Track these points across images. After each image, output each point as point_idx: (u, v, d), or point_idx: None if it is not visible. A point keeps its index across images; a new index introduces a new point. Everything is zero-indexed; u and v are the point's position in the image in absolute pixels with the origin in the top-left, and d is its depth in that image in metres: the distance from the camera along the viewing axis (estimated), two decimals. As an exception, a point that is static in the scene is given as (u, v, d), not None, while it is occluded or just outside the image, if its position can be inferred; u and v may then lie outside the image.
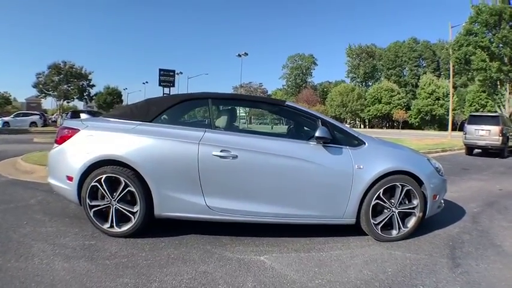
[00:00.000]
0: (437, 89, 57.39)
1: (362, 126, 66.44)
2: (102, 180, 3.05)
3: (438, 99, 56.97)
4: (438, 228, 3.78)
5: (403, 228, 3.36)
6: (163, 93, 20.98)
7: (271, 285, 2.37)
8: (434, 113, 56.81)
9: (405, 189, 3.30)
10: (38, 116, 31.07)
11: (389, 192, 3.31)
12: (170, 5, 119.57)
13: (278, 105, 3.91)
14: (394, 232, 3.34)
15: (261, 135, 3.32)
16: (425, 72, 66.40)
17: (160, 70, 21.88)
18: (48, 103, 67.15)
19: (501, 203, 5.12)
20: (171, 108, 3.46)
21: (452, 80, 28.57)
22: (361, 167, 3.18)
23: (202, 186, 3.05)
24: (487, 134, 12.04)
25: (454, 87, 59.89)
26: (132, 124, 3.24)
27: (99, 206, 3.11)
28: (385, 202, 3.28)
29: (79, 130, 3.24)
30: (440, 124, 57.90)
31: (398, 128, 57.17)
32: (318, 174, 3.18)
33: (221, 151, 3.05)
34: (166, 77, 21.69)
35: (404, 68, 73.23)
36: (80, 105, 47.61)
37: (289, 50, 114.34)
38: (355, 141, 3.30)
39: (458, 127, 46.12)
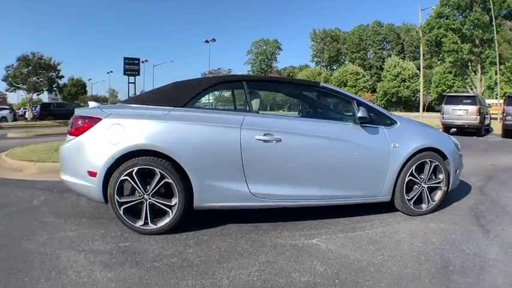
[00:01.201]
0: (403, 71, 60.16)
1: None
2: (134, 173, 2.91)
3: (404, 81, 59.75)
4: (455, 201, 4.16)
5: (431, 202, 3.67)
6: (129, 83, 20.67)
7: (340, 266, 2.50)
8: (400, 94, 59.77)
9: (433, 165, 3.60)
10: (7, 111, 30.67)
11: (419, 168, 3.55)
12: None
13: (313, 87, 3.97)
14: (424, 206, 3.64)
15: (301, 118, 3.43)
16: (390, 55, 69.42)
17: (125, 59, 21.50)
18: (13, 97, 64.09)
19: (499, 177, 5.68)
20: (204, 92, 3.40)
21: (422, 61, 29.99)
22: (396, 145, 3.41)
23: (245, 172, 3.05)
24: (465, 113, 12.91)
25: (419, 69, 63.06)
26: (163, 110, 3.12)
27: (130, 202, 2.97)
28: (416, 178, 3.55)
29: (101, 119, 3.02)
30: (405, 105, 60.87)
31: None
32: (359, 154, 3.36)
33: (264, 135, 3.08)
34: (131, 66, 21.36)
35: (369, 51, 75.99)
36: (45, 97, 46.98)
37: (256, 36, 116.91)
38: (388, 121, 3.52)
39: (426, 108, 48.45)
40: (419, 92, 48.54)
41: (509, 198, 4.43)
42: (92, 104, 3.51)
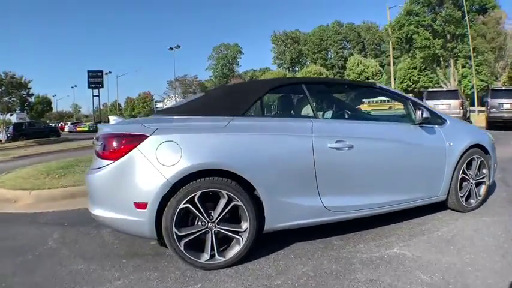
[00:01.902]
0: (366, 68, 62.31)
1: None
2: (196, 198, 2.53)
3: (367, 78, 61.74)
4: (489, 194, 4.30)
5: (478, 198, 3.84)
6: (93, 96, 20.44)
7: (442, 272, 2.52)
8: None
9: (479, 161, 3.78)
10: None
11: (468, 165, 3.72)
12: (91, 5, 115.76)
13: (370, 87, 3.94)
14: (473, 202, 3.80)
15: (365, 121, 3.41)
16: (351, 54, 71.62)
17: (88, 72, 21.05)
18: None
19: (510, 168, 5.91)
20: (262, 97, 3.19)
21: (392, 58, 31.25)
22: (451, 144, 3.53)
23: (318, 184, 2.88)
24: (447, 107, 13.51)
25: (382, 66, 65.96)
26: (221, 120, 2.79)
27: (192, 234, 2.58)
28: (466, 175, 3.68)
29: (146, 136, 2.56)
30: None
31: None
32: (421, 155, 3.43)
33: (336, 142, 2.94)
34: (95, 78, 21.00)
35: (330, 51, 78.21)
36: (13, 117, 45.07)
37: (219, 40, 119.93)
38: (439, 120, 3.63)
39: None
40: (384, 88, 50.76)
41: None
42: (113, 118, 3.08)
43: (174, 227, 2.52)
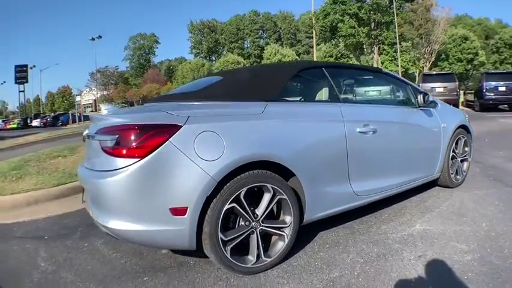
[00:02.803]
0: (283, 57, 64.18)
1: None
2: (242, 196, 2.30)
3: (285, 68, 63.71)
4: None
5: (463, 173, 4.26)
6: (19, 91, 18.72)
7: (474, 240, 2.75)
8: None
9: (463, 140, 4.19)
10: None
11: (456, 144, 4.09)
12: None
13: (378, 72, 4.01)
14: (459, 178, 4.22)
15: (379, 104, 3.47)
16: (268, 43, 73.41)
17: (16, 67, 18.94)
18: None
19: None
20: (291, 81, 3.04)
21: (315, 47, 32.67)
22: (444, 125, 3.85)
23: (349, 170, 2.87)
24: (445, 90, 15.17)
25: (298, 55, 68.92)
26: (256, 106, 2.57)
27: (237, 237, 2.33)
28: (455, 153, 4.01)
29: (179, 126, 2.19)
30: None
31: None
32: (425, 136, 3.69)
33: (363, 126, 2.97)
34: (21, 73, 19.01)
35: (247, 40, 79.40)
36: None
37: (138, 30, 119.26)
38: (433, 103, 3.84)
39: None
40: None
41: (497, 158, 5.71)
42: (105, 107, 2.60)
43: (219, 232, 2.24)
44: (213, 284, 2.33)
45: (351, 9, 24.40)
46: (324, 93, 3.36)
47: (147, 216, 2.17)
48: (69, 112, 38.89)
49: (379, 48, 27.31)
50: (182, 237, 2.19)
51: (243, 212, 2.33)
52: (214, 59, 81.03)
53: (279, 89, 2.83)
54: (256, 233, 2.39)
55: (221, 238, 2.24)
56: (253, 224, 2.38)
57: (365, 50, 27.20)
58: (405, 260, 2.50)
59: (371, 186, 3.09)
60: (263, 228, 2.42)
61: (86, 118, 35.42)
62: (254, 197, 2.41)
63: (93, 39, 46.41)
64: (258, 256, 2.39)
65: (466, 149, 4.28)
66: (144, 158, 2.12)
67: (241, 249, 2.40)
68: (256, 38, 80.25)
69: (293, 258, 2.61)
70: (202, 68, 69.23)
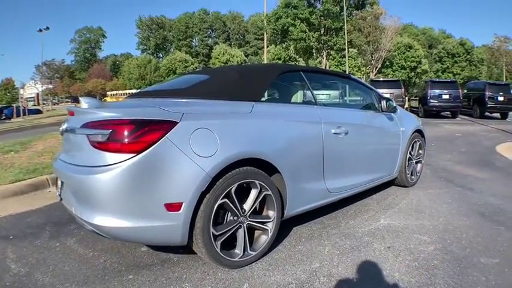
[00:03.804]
0: (232, 58, 64.70)
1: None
2: (233, 191, 2.43)
3: (233, 68, 64.25)
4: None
5: (417, 174, 4.75)
6: None
7: (433, 232, 3.15)
8: None
9: (419, 143, 4.66)
10: None
11: (412, 147, 4.54)
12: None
13: (347, 78, 4.30)
14: (414, 178, 4.69)
15: (349, 108, 3.74)
16: (216, 43, 73.63)
17: None
18: None
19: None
20: (273, 83, 3.21)
21: (266, 49, 33.25)
22: (403, 129, 4.29)
23: (324, 168, 3.13)
24: (391, 96, 15.74)
25: (246, 56, 69.67)
26: (244, 105, 2.72)
27: (227, 232, 2.47)
28: (411, 155, 4.45)
29: (175, 123, 2.27)
30: None
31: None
32: (387, 138, 4.09)
33: (337, 127, 3.24)
34: None
35: (195, 39, 79.27)
36: None
37: (85, 23, 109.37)
38: (393, 108, 4.23)
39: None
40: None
41: (445, 161, 6.36)
42: (86, 100, 2.54)
43: (211, 227, 2.35)
44: (202, 279, 2.41)
45: (302, 14, 25.32)
46: (301, 96, 3.61)
47: (140, 212, 2.19)
48: (14, 105, 36.22)
49: (327, 53, 28.62)
50: (175, 232, 2.25)
51: (233, 207, 2.45)
52: (161, 56, 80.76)
53: (264, 90, 3.03)
54: (244, 228, 2.54)
55: (212, 233, 2.35)
56: (241, 218, 2.52)
57: (314, 54, 28.42)
58: (376, 250, 2.79)
59: (342, 183, 3.38)
60: (249, 222, 2.58)
61: (31, 112, 33.34)
62: (241, 192, 2.54)
63: (40, 30, 45.29)
64: (245, 250, 2.54)
65: (420, 151, 4.77)
66: (140, 153, 2.14)
67: (227, 244, 2.53)
68: (205, 37, 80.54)
69: (274, 251, 2.79)
70: (149, 65, 68.47)
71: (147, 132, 2.18)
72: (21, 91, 49.97)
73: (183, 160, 2.22)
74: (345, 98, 4.16)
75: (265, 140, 2.67)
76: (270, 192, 2.63)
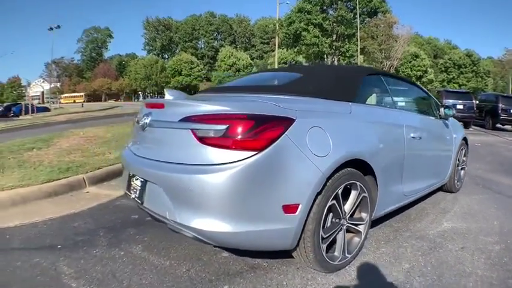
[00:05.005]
0: (238, 61, 65.42)
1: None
2: (340, 193, 2.40)
3: (238, 70, 65.33)
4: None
5: (461, 180, 5.08)
6: None
7: (494, 234, 3.42)
8: None
9: (464, 150, 5.02)
10: None
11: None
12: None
13: (413, 84, 4.45)
14: (459, 184, 4.99)
15: (418, 113, 4.00)
16: (222, 45, 74.28)
17: None
18: None
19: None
20: (361, 84, 3.15)
21: (277, 53, 33.55)
22: (455, 136, 4.58)
23: (403, 171, 3.21)
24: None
25: (252, 59, 70.10)
26: (343, 105, 2.73)
27: (331, 235, 2.45)
28: (459, 161, 4.74)
29: (293, 120, 2.18)
30: None
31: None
32: (445, 144, 4.36)
33: (414, 132, 3.36)
34: None
35: (201, 41, 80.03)
36: None
37: (93, 23, 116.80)
38: (448, 116, 4.50)
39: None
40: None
41: (476, 169, 6.68)
42: (170, 93, 2.56)
43: (321, 230, 2.31)
44: (304, 284, 2.37)
45: (316, 19, 25.70)
46: (382, 99, 3.60)
47: (255, 215, 2.08)
48: (23, 103, 36.47)
49: (339, 59, 29.09)
50: (287, 236, 2.18)
51: (338, 209, 2.45)
52: (167, 57, 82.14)
53: (357, 90, 3.02)
54: (343, 230, 2.55)
55: (322, 236, 2.33)
56: (342, 221, 2.52)
57: (325, 59, 28.89)
58: (453, 251, 3.06)
59: (413, 187, 3.58)
60: (348, 225, 2.59)
61: (39, 110, 33.49)
62: (342, 194, 2.52)
63: (51, 28, 46.75)
64: (343, 252, 2.55)
65: (464, 158, 5.08)
66: (261, 151, 2.03)
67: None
68: (211, 39, 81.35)
69: (361, 254, 2.84)
70: (156, 65, 69.29)
71: (267, 129, 2.08)
72: (28, 89, 50.50)
73: (301, 159, 2.16)
74: (413, 104, 4.28)
75: (363, 141, 2.68)
76: (366, 194, 2.65)
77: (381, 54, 28.89)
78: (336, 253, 2.52)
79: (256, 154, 2.02)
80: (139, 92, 76.51)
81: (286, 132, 2.12)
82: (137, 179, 2.49)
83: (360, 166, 2.60)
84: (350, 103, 2.80)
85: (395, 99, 3.60)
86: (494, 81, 57.62)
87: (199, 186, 2.02)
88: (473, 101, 17.58)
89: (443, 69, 57.33)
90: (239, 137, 2.03)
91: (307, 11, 25.83)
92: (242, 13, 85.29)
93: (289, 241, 2.21)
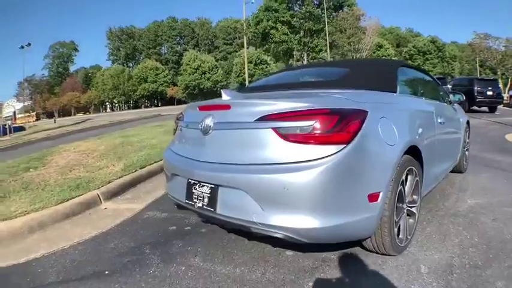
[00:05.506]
0: (203, 63, 65.25)
1: (128, 108, 72.91)
2: (404, 179, 2.56)
3: (204, 73, 65.23)
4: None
5: (467, 161, 5.50)
6: None
7: None
8: (202, 86, 66.04)
9: (467, 132, 5.44)
10: None
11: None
12: None
13: (427, 74, 4.58)
14: (465, 164, 5.42)
15: (437, 100, 4.26)
16: (186, 49, 74.24)
17: None
18: None
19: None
20: (397, 75, 3.31)
21: (246, 52, 33.73)
22: (462, 119, 4.99)
23: (435, 155, 3.46)
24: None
25: (216, 61, 70.08)
26: (392, 96, 2.95)
27: (399, 219, 2.62)
28: (465, 143, 5.18)
29: (367, 112, 2.27)
30: (207, 97, 66.93)
31: (172, 104, 64.91)
32: (457, 127, 4.73)
33: (440, 117, 3.65)
34: None
35: (164, 46, 79.89)
36: None
37: (60, 37, 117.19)
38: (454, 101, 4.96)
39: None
40: (219, 82, 60.88)
41: (471, 150, 6.67)
42: (227, 93, 2.62)
43: (394, 215, 2.42)
44: (379, 269, 2.48)
45: (284, 17, 26.08)
46: (413, 89, 3.82)
47: (345, 206, 2.14)
48: (0, 124, 34.93)
49: (308, 54, 29.70)
50: (370, 224, 2.27)
51: (404, 194, 2.62)
52: (132, 65, 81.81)
53: (395, 82, 3.18)
54: (405, 213, 2.73)
55: (395, 221, 2.46)
56: (404, 205, 2.68)
57: (294, 56, 29.42)
58: (488, 223, 3.42)
59: (441, 168, 3.93)
60: (408, 209, 2.77)
61: (16, 129, 32.16)
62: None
63: (22, 47, 48.30)
64: (407, 234, 2.73)
65: (467, 140, 5.53)
66: (349, 143, 2.11)
67: None
68: (174, 44, 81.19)
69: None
70: (123, 74, 68.94)
71: (350, 122, 2.16)
72: (2, 110, 49.14)
73: (378, 148, 2.30)
74: (431, 92, 4.41)
75: (414, 128, 2.89)
76: (418, 178, 2.84)
77: (350, 47, 29.77)
78: (401, 236, 2.66)
79: (345, 147, 2.10)
80: (107, 103, 75.21)
81: (364, 124, 2.22)
82: (202, 185, 2.40)
83: (413, 152, 2.77)
84: (394, 94, 3.05)
85: (420, 88, 3.97)
86: (460, 65, 59.97)
87: (295, 184, 2.03)
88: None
89: (407, 57, 59.21)
90: (328, 131, 2.09)
91: (274, 9, 26.24)
92: (203, 16, 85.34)
93: (371, 229, 2.32)
